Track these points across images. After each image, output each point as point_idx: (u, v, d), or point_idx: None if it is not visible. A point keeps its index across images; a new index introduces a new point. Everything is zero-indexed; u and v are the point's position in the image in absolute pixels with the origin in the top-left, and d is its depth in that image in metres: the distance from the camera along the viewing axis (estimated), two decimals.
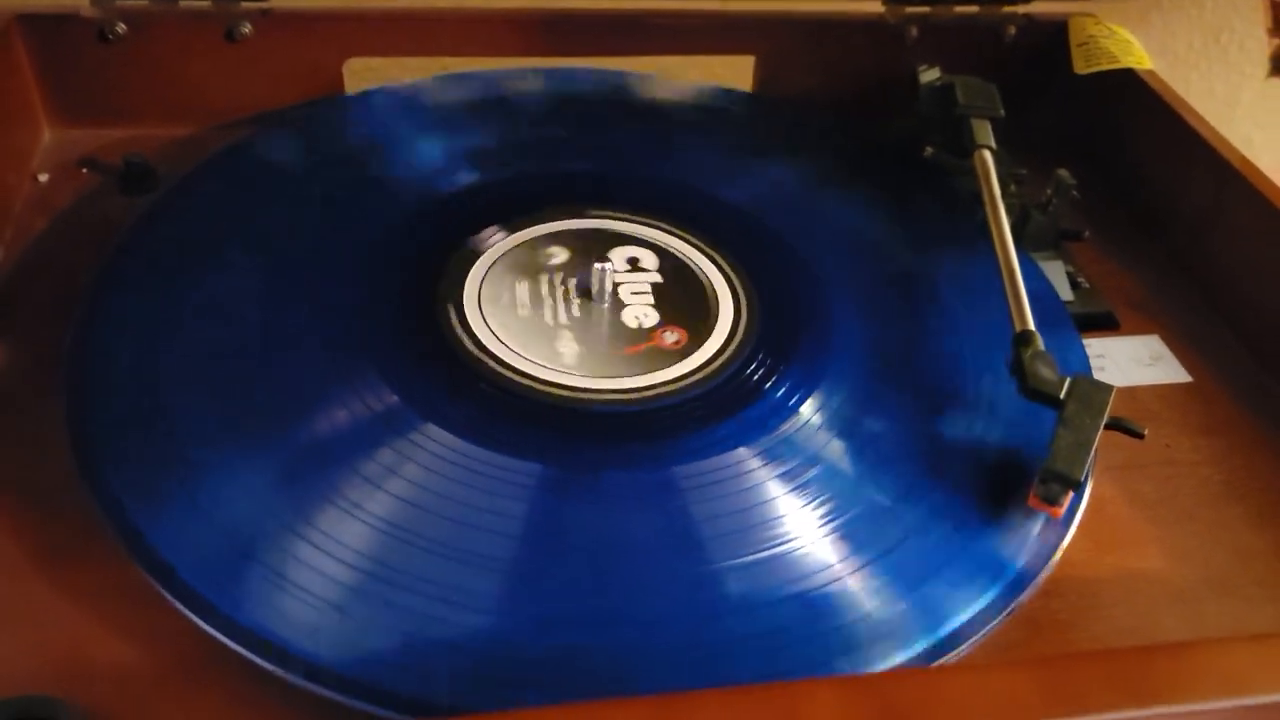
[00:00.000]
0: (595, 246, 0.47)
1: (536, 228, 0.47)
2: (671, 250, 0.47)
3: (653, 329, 0.43)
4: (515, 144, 0.53)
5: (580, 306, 0.44)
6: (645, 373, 0.41)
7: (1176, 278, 0.53)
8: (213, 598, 0.34)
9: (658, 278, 0.46)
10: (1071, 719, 0.28)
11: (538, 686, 0.33)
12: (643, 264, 0.46)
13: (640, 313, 0.44)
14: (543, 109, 0.56)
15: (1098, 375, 0.46)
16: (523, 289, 0.44)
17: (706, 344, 0.43)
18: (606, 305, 0.44)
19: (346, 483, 0.37)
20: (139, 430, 0.38)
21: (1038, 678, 0.29)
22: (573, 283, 0.45)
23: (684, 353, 0.42)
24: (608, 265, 0.44)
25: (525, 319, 0.43)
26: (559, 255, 0.46)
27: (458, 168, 0.50)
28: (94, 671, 0.34)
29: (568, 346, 0.42)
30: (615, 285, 0.45)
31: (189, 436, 0.38)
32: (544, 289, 0.44)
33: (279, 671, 0.32)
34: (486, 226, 0.47)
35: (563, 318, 0.43)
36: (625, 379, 0.41)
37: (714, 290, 0.45)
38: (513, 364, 0.41)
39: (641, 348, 0.42)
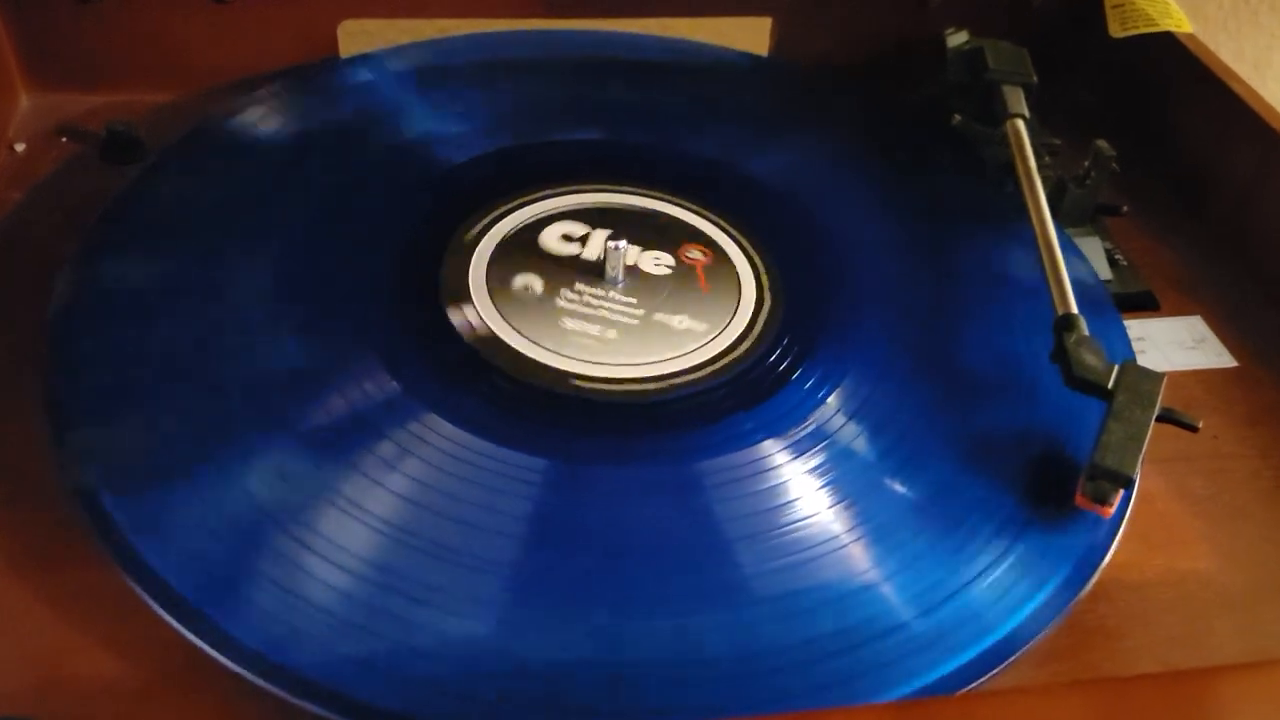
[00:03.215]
0: (606, 223, 0.44)
1: (544, 203, 0.44)
2: (688, 226, 0.44)
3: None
4: (518, 113, 0.50)
5: (593, 287, 0.41)
6: (662, 356, 0.39)
7: (1219, 254, 0.51)
8: (201, 605, 0.31)
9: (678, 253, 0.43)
10: None
11: (548, 705, 0.30)
12: (659, 240, 0.43)
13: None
14: (546, 75, 0.53)
15: (1138, 359, 0.43)
16: (531, 268, 0.41)
17: (728, 329, 0.40)
18: (621, 285, 0.41)
19: (345, 479, 0.34)
20: (123, 423, 0.36)
21: (1092, 704, 0.26)
22: (585, 262, 0.42)
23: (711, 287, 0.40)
24: (621, 243, 0.41)
25: (534, 301, 0.40)
26: (569, 232, 0.43)
27: (459, 138, 0.48)
28: (75, 684, 0.32)
29: (580, 331, 0.39)
30: (631, 262, 0.42)
31: (176, 430, 0.36)
32: (554, 268, 0.42)
33: (270, 687, 0.30)
34: (491, 201, 0.44)
35: (574, 299, 0.40)
36: (642, 367, 0.38)
37: (735, 270, 0.43)
38: (522, 350, 0.38)
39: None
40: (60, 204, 0.46)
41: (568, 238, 0.43)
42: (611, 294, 0.41)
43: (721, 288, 0.42)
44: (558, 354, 0.38)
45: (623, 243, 0.41)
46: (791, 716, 0.26)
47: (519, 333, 0.39)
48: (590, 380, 0.38)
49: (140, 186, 0.44)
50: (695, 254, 0.40)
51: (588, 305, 0.40)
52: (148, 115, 0.50)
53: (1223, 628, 0.36)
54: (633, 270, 0.42)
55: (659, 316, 0.40)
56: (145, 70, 0.53)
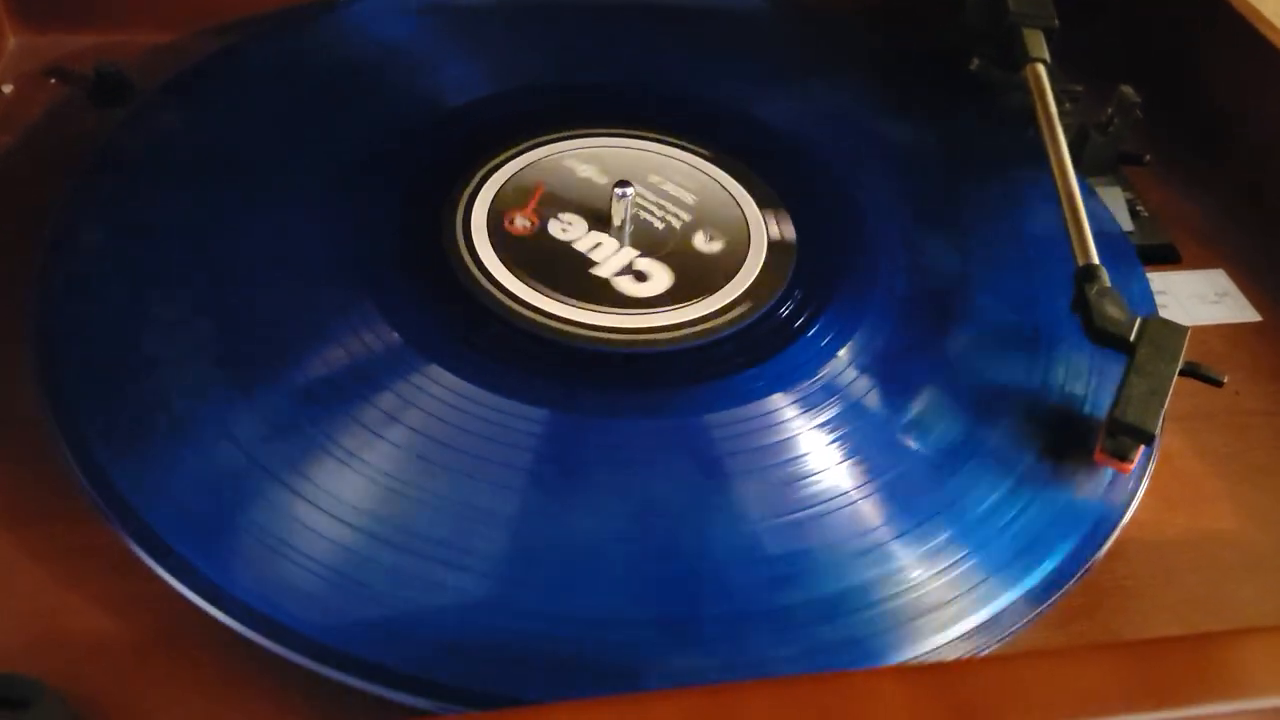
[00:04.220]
0: (615, 168, 0.42)
1: (550, 147, 0.43)
2: (700, 172, 0.43)
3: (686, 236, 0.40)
4: (525, 54, 0.48)
5: (600, 235, 0.40)
6: (675, 305, 0.37)
7: (1243, 206, 0.49)
8: (196, 561, 0.31)
9: (687, 203, 0.42)
10: (1160, 711, 0.25)
11: (553, 664, 0.29)
12: (668, 189, 0.42)
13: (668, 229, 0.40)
14: (554, 15, 0.51)
15: (1159, 313, 0.42)
16: (536, 215, 0.40)
17: (738, 278, 0.39)
18: (629, 233, 0.40)
19: (344, 430, 0.33)
20: (115, 373, 0.35)
21: (1124, 667, 0.26)
22: (591, 209, 0.41)
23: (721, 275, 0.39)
24: (629, 190, 0.40)
25: (539, 248, 0.39)
26: (575, 178, 0.42)
27: (461, 81, 0.46)
28: (69, 642, 0.31)
29: (589, 279, 0.38)
30: (639, 211, 0.41)
31: (169, 380, 0.35)
32: (559, 215, 0.40)
33: (268, 644, 0.29)
34: (495, 146, 0.42)
35: (581, 247, 0.39)
36: (650, 316, 0.37)
37: (746, 218, 0.41)
38: (526, 299, 0.37)
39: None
40: (49, 148, 0.45)
41: (575, 183, 0.42)
42: (620, 240, 0.40)
43: (733, 234, 0.40)
44: (564, 303, 0.37)
45: (630, 190, 0.40)
46: (800, 679, 0.25)
47: (523, 281, 0.38)
48: (597, 330, 0.36)
49: (129, 130, 0.43)
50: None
51: (594, 252, 0.39)
52: (139, 57, 0.49)
53: (1244, 589, 0.35)
54: (642, 216, 0.40)
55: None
56: (137, 10, 0.51)
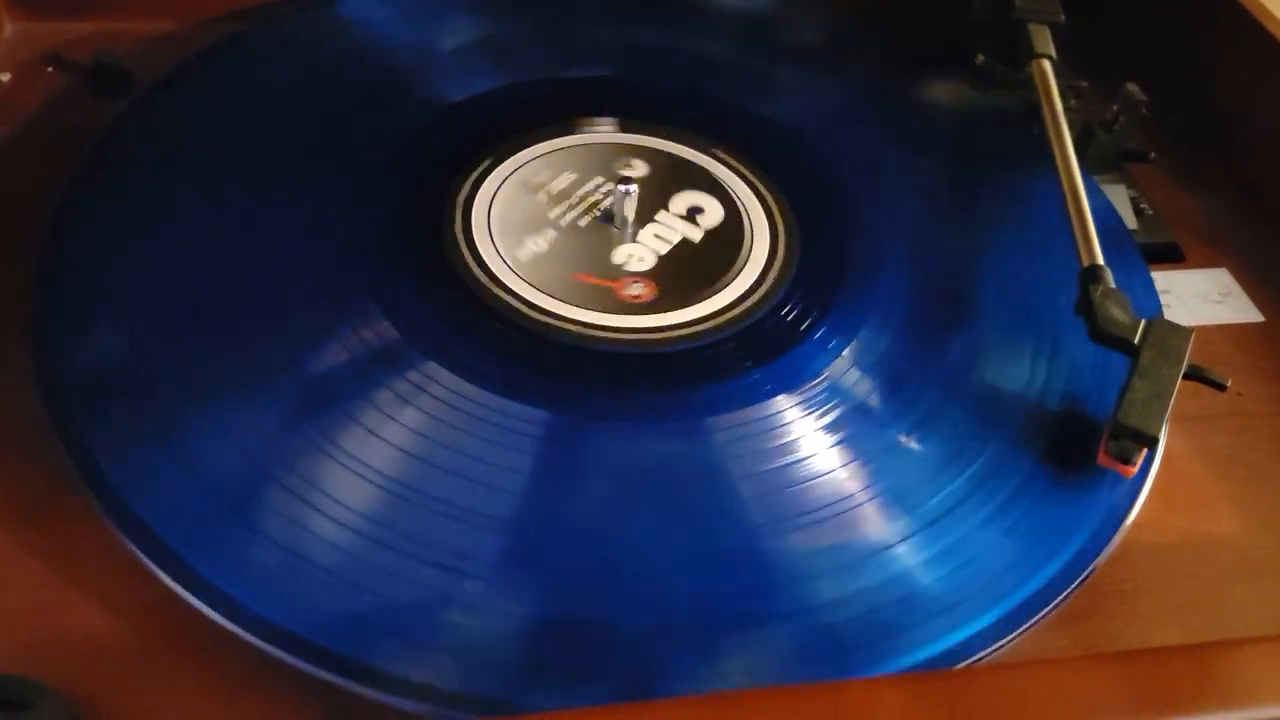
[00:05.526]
0: (615, 164, 0.42)
1: (550, 141, 0.43)
2: (702, 169, 0.43)
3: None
4: (527, 48, 0.48)
5: (601, 231, 0.40)
6: (677, 305, 0.37)
7: (1248, 205, 0.49)
8: (195, 562, 0.30)
9: (690, 200, 0.41)
10: None
11: (553, 669, 0.29)
12: (671, 186, 0.42)
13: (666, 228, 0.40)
14: (556, 9, 0.50)
15: (1162, 312, 0.42)
16: (537, 211, 0.40)
17: (739, 278, 0.39)
18: (630, 230, 0.40)
19: (341, 430, 0.33)
20: (114, 372, 0.35)
21: (1126, 677, 0.26)
22: (593, 205, 0.40)
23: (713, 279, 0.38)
24: (631, 187, 0.40)
25: (540, 246, 0.39)
26: (575, 173, 0.42)
27: (464, 73, 0.46)
28: (67, 643, 0.31)
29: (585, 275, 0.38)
30: (642, 208, 0.40)
31: (169, 378, 0.34)
32: (561, 211, 0.40)
33: (266, 646, 0.29)
34: (496, 139, 0.42)
35: (582, 245, 0.39)
36: (651, 316, 0.37)
37: (748, 215, 0.41)
38: (528, 297, 0.37)
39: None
40: (46, 139, 0.45)
41: (575, 179, 0.41)
42: (620, 237, 0.39)
43: (733, 231, 0.40)
44: (565, 302, 0.37)
45: (633, 187, 0.40)
46: (800, 688, 0.25)
47: (525, 279, 0.37)
48: (597, 329, 0.36)
49: (128, 122, 0.43)
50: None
51: (592, 246, 0.39)
52: (138, 46, 0.48)
53: (1244, 593, 0.35)
54: (641, 216, 0.40)
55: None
56: None
